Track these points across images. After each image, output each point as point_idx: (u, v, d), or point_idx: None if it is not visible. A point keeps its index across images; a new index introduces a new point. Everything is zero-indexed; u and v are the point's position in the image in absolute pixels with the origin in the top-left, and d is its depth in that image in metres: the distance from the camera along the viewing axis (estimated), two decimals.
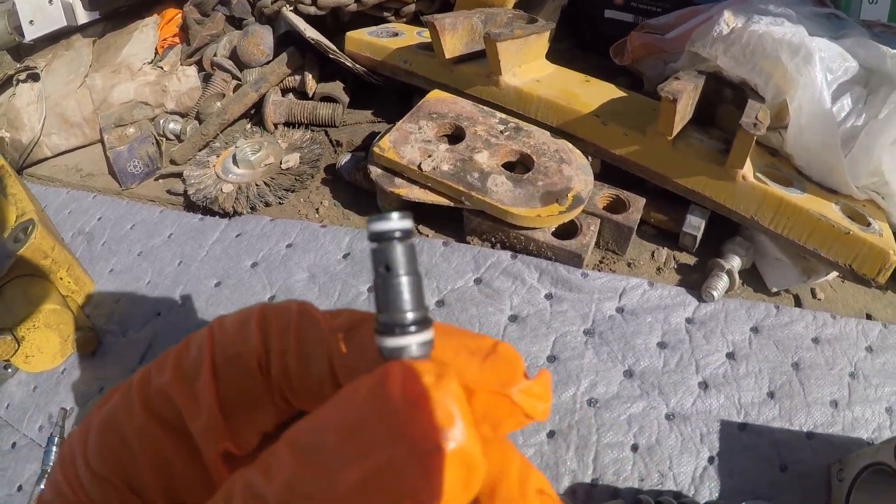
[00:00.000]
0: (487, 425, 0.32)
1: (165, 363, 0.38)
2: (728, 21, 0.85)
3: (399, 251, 0.29)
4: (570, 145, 0.85)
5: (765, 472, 0.66)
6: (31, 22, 1.48)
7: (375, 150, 0.83)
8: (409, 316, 0.29)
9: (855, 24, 0.90)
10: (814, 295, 0.82)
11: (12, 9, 1.51)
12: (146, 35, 1.35)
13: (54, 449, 0.81)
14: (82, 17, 1.48)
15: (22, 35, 1.51)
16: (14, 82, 1.42)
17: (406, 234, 0.29)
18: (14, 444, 0.86)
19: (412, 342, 0.29)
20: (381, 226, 0.29)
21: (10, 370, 0.91)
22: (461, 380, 0.30)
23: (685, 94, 0.75)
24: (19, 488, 0.81)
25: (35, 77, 1.39)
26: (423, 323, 0.29)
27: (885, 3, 0.93)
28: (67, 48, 1.47)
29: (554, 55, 1.02)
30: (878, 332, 0.77)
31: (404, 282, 0.29)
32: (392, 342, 0.29)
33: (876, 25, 0.93)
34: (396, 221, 0.29)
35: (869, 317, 0.81)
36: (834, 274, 0.80)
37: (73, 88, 1.28)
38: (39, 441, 0.84)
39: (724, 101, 0.86)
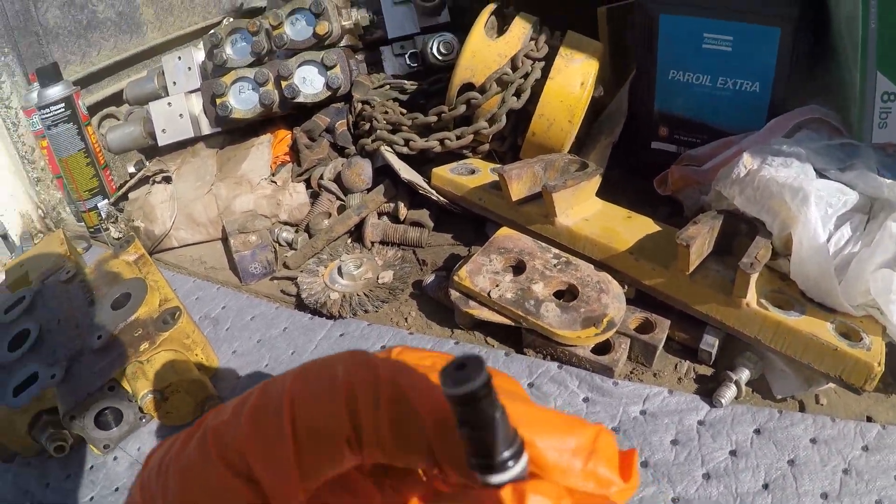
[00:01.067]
0: None
1: (239, 417, 0.39)
2: (746, 164, 1.03)
3: (485, 407, 0.29)
4: (609, 277, 1.07)
5: None
6: (163, 130, 1.78)
7: (455, 278, 1.08)
8: (505, 455, 0.30)
9: (867, 149, 1.04)
10: (817, 401, 0.96)
11: (147, 116, 1.83)
12: (261, 152, 1.64)
13: None
14: (206, 129, 1.77)
15: (154, 140, 1.82)
16: (150, 182, 1.73)
17: (487, 388, 0.29)
18: None
19: (511, 476, 0.30)
20: (464, 389, 0.29)
21: (143, 420, 1.13)
22: (565, 482, 0.33)
23: (699, 239, 0.95)
24: None
25: (168, 179, 1.70)
26: (518, 454, 0.31)
27: (895, 125, 1.04)
28: (193, 155, 1.77)
29: (606, 182, 1.22)
30: (875, 432, 0.88)
31: (494, 430, 0.30)
32: (494, 479, 0.30)
33: (889, 147, 1.05)
34: (478, 381, 0.29)
35: (869, 419, 0.91)
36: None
37: (201, 194, 1.57)
38: None
39: (739, 234, 1.05)
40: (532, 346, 1.05)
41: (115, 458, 1.12)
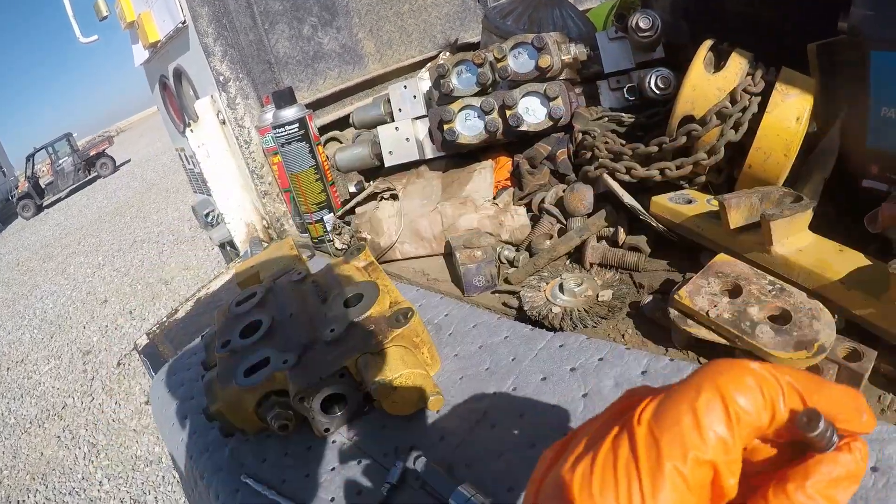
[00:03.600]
0: None
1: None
2: None
3: (823, 440, 0.47)
4: (821, 305, 1.12)
5: None
6: (390, 152, 1.99)
7: (675, 297, 1.17)
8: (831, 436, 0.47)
9: None
10: None
11: (375, 139, 2.06)
12: (484, 176, 1.79)
13: (399, 466, 1.10)
14: (429, 153, 1.95)
15: (381, 161, 2.04)
16: (378, 198, 1.95)
17: (828, 432, 0.47)
18: (359, 462, 1.19)
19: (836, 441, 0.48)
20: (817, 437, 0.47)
21: (365, 409, 1.27)
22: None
23: None
24: (359, 492, 1.13)
25: (395, 197, 1.90)
26: (833, 431, 0.48)
27: None
28: (418, 177, 1.95)
29: (816, 218, 1.26)
30: None
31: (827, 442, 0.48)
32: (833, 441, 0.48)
33: None
34: (824, 433, 0.47)
35: None
36: None
37: (427, 211, 1.73)
38: (384, 464, 1.16)
39: None
40: None
41: (332, 441, 1.26)
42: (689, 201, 1.44)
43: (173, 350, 2.11)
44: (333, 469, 1.21)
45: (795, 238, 1.25)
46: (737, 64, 1.45)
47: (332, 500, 1.15)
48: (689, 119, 1.47)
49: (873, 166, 1.35)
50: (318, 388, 1.21)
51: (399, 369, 1.20)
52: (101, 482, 5.48)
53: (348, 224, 2.00)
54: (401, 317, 1.29)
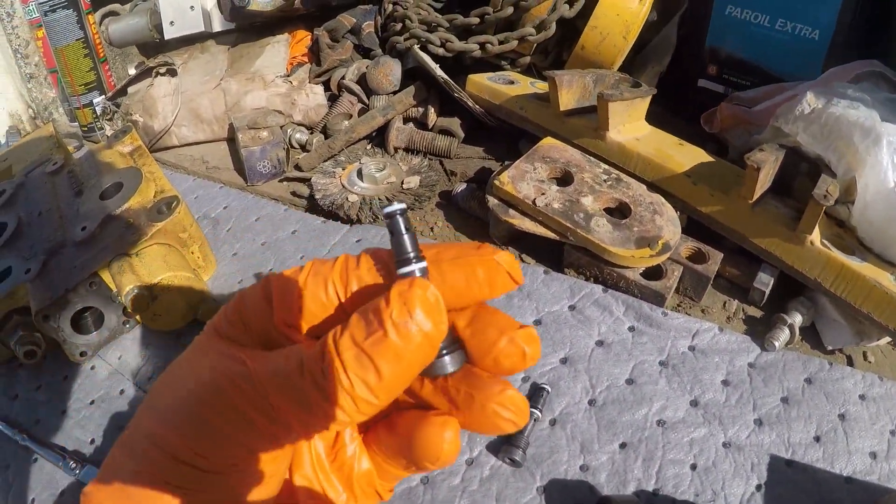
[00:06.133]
0: None
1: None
2: (810, 102, 0.93)
3: (400, 221, 0.39)
4: (663, 199, 0.95)
5: None
6: (171, 23, 1.63)
7: (496, 182, 0.95)
8: (412, 254, 0.39)
9: None
10: (865, 357, 0.88)
11: (154, 8, 1.67)
12: (278, 50, 1.50)
13: None
14: (218, 25, 1.62)
15: (161, 34, 1.67)
16: (153, 74, 1.58)
17: (403, 212, 0.40)
18: (122, 391, 0.96)
19: (415, 268, 0.38)
20: (388, 209, 0.39)
21: (127, 325, 1.01)
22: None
23: (767, 164, 0.85)
24: (120, 429, 0.91)
25: (173, 72, 1.55)
26: (420, 258, 0.39)
27: None
28: (203, 51, 1.62)
29: (650, 117, 1.11)
30: None
31: (406, 237, 0.39)
32: (403, 270, 0.39)
33: None
34: (397, 205, 0.40)
35: None
36: (886, 340, 0.88)
37: (209, 88, 1.43)
38: (147, 391, 0.94)
39: (800, 173, 0.95)
40: (574, 265, 0.94)
41: (92, 368, 1.01)
42: (511, 82, 1.20)
43: None
44: (93, 402, 0.96)
45: (632, 126, 1.06)
46: None
47: (92, 441, 0.91)
48: None
49: (711, 66, 1.23)
50: (63, 302, 0.94)
51: (159, 273, 0.95)
52: None
53: (119, 107, 1.62)
54: (164, 207, 1.02)
